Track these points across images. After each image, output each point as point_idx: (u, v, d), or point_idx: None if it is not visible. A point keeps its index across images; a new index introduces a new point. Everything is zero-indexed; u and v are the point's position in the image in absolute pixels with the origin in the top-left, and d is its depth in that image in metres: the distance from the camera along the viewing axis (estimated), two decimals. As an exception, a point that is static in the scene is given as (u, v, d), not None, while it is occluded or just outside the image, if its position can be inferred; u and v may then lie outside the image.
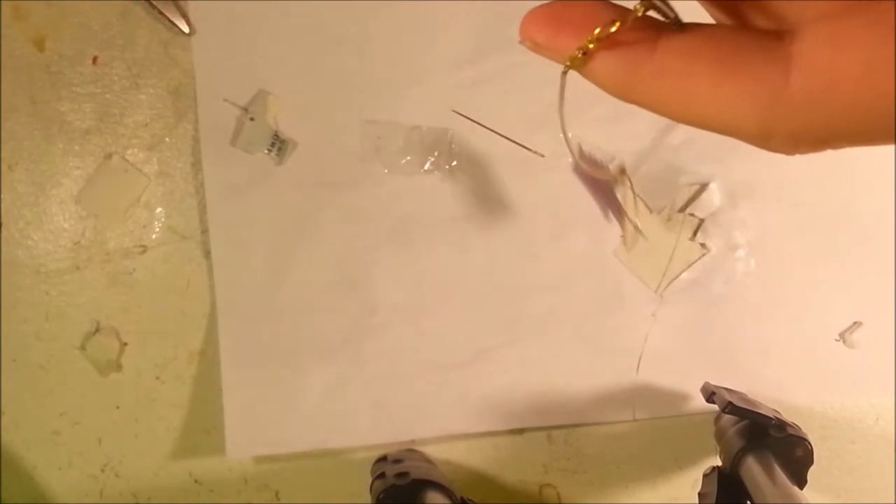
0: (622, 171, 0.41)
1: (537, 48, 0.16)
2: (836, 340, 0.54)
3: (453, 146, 0.50)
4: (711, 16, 0.16)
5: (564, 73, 0.16)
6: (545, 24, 0.16)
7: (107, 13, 0.48)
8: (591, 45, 0.15)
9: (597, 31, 0.15)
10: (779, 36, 0.14)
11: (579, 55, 0.15)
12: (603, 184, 0.47)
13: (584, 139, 0.51)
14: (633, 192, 0.45)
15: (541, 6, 0.16)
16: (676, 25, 0.15)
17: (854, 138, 0.14)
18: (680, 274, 0.53)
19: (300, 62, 0.49)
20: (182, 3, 0.48)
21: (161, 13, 0.47)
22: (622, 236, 0.47)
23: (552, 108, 0.51)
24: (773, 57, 0.14)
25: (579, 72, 0.16)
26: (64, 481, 0.52)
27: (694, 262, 0.53)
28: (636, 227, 0.45)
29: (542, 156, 0.51)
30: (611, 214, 0.45)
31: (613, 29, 0.15)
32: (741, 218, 0.52)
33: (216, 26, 0.48)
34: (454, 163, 0.50)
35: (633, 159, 0.51)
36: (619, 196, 0.47)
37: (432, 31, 0.49)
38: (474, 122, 0.50)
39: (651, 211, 0.52)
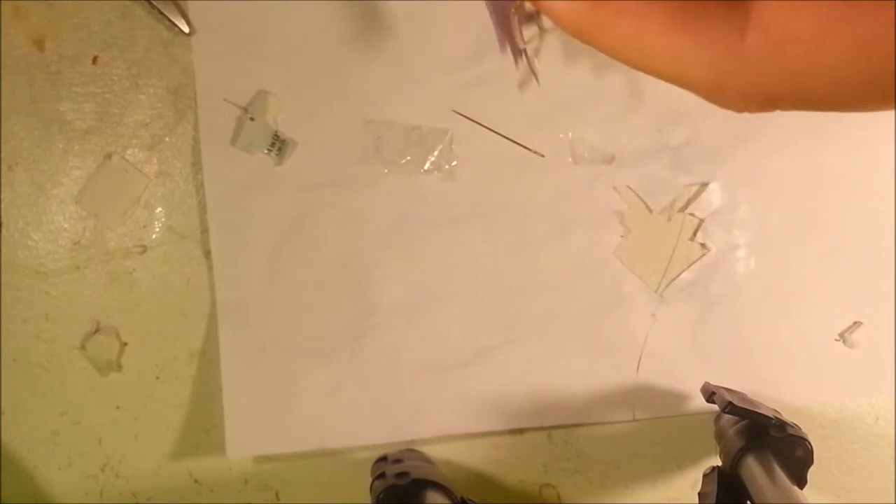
0: (536, 11, 0.38)
1: None
2: (837, 340, 0.54)
3: (453, 146, 0.50)
4: None
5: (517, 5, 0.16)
6: None
7: (107, 13, 0.48)
8: None
9: None
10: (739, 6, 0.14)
11: None
12: (509, 17, 0.45)
13: (583, 138, 0.51)
14: (541, 33, 0.42)
15: None
16: None
17: (802, 101, 0.14)
18: (680, 274, 0.53)
19: (300, 62, 0.49)
20: (182, 2, 0.48)
21: (161, 13, 0.47)
22: (518, 72, 0.44)
23: (552, 107, 0.51)
24: (732, 12, 0.14)
25: (536, 6, 0.16)
26: (64, 481, 0.52)
27: (694, 262, 0.53)
28: (531, 67, 0.42)
29: (542, 156, 0.51)
30: (508, 51, 0.42)
31: None
32: (741, 218, 0.53)
33: (216, 26, 0.48)
34: (454, 163, 0.50)
35: (633, 159, 0.51)
36: (525, 34, 0.44)
37: (432, 31, 0.49)
38: (474, 122, 0.50)
39: (651, 211, 0.52)
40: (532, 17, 0.45)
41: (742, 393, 0.52)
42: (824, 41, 0.13)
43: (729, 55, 0.14)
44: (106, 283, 0.50)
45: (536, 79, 0.47)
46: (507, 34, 0.42)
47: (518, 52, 0.43)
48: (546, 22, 0.45)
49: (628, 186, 0.52)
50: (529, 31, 0.47)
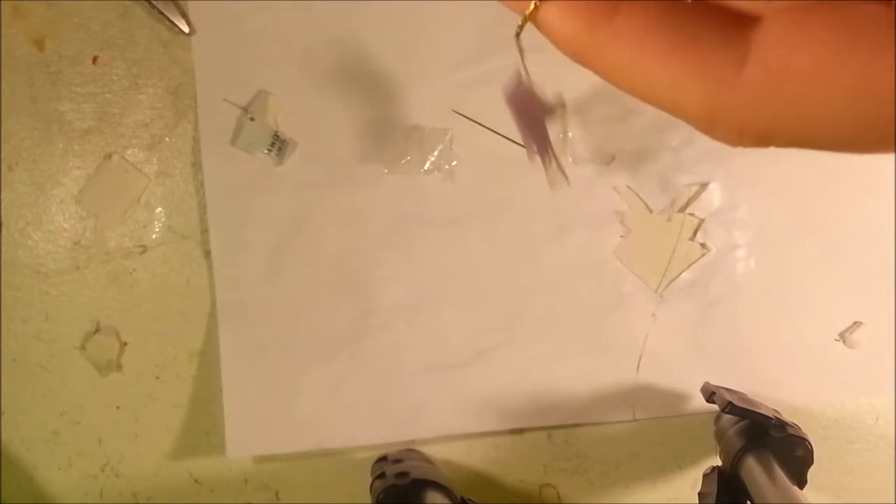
0: (562, 104, 0.39)
1: None
2: (836, 340, 0.54)
3: (453, 146, 0.50)
4: None
5: (519, 30, 0.16)
6: None
7: (107, 13, 0.48)
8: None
9: None
10: (742, 22, 0.14)
11: (537, 3, 0.15)
12: (536, 117, 0.45)
13: (584, 139, 0.51)
14: (566, 130, 0.43)
15: None
16: None
17: (796, 139, 0.14)
18: (680, 274, 0.53)
19: (300, 62, 0.49)
20: (182, 2, 0.48)
21: (161, 13, 0.47)
22: (547, 175, 0.45)
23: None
24: (731, 44, 0.14)
25: (535, 24, 0.16)
26: (64, 481, 0.52)
27: (694, 262, 0.53)
28: (560, 168, 0.43)
29: (542, 156, 0.51)
30: (535, 152, 0.43)
31: None
32: (741, 218, 0.52)
33: (216, 26, 0.48)
34: (454, 163, 0.50)
35: (633, 159, 0.51)
36: (550, 132, 0.45)
37: (432, 31, 0.49)
38: (474, 122, 0.50)
39: (651, 211, 0.52)
40: (554, 110, 0.45)
41: (742, 393, 0.52)
42: (823, 81, 0.13)
43: (725, 87, 0.14)
44: (106, 283, 0.50)
45: (566, 179, 0.47)
46: (535, 137, 0.43)
47: (548, 156, 0.43)
48: (568, 109, 0.45)
49: (628, 186, 0.52)
50: (553, 127, 0.47)
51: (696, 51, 0.14)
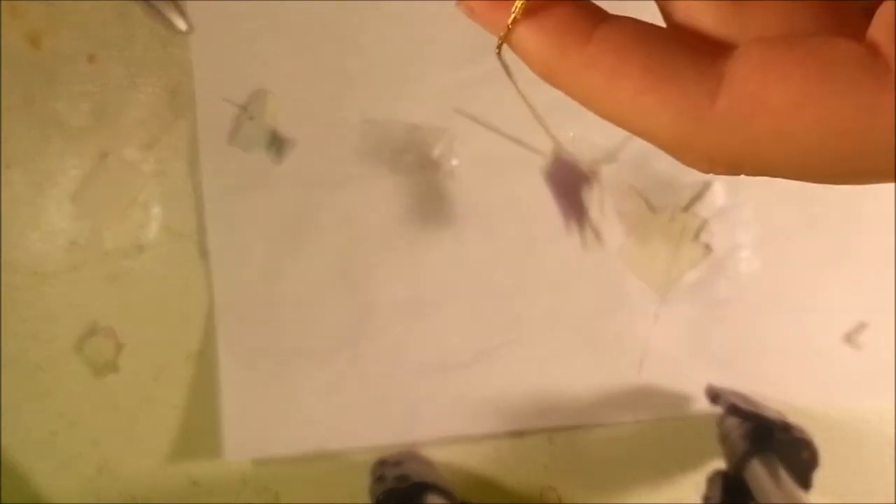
0: (596, 172, 0.40)
1: (473, 16, 0.16)
2: (842, 342, 0.54)
3: (453, 146, 0.50)
4: (662, 15, 0.16)
5: (498, 49, 0.16)
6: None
7: (104, 12, 0.48)
8: (516, 16, 0.15)
9: (518, 3, 0.15)
10: (714, 51, 0.14)
11: (509, 26, 0.15)
12: (571, 189, 0.46)
13: (584, 138, 0.50)
14: (602, 197, 0.44)
15: None
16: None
17: (767, 170, 0.14)
18: (683, 274, 0.52)
19: (299, 61, 0.49)
20: (180, 1, 0.47)
21: (159, 12, 0.47)
22: (581, 240, 0.46)
23: (553, 108, 0.50)
24: (703, 74, 0.14)
25: (508, 45, 0.16)
26: (62, 482, 0.52)
27: (697, 263, 0.52)
28: (597, 234, 0.43)
29: (543, 155, 0.50)
30: (573, 223, 0.44)
31: None
32: (745, 218, 0.52)
33: (214, 25, 0.48)
34: (454, 163, 0.50)
35: (636, 158, 0.51)
36: (586, 201, 0.46)
37: (432, 31, 0.49)
38: (475, 121, 0.50)
39: (653, 211, 0.52)
40: (591, 179, 0.46)
41: (746, 394, 0.51)
42: (794, 117, 0.13)
43: (697, 118, 0.14)
44: (103, 283, 0.50)
45: (600, 240, 0.47)
46: (573, 207, 0.44)
47: (585, 223, 0.44)
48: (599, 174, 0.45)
49: (630, 186, 0.51)
50: (589, 194, 0.48)
51: (669, 81, 0.14)
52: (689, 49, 0.14)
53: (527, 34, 0.15)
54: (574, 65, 0.15)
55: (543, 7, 0.15)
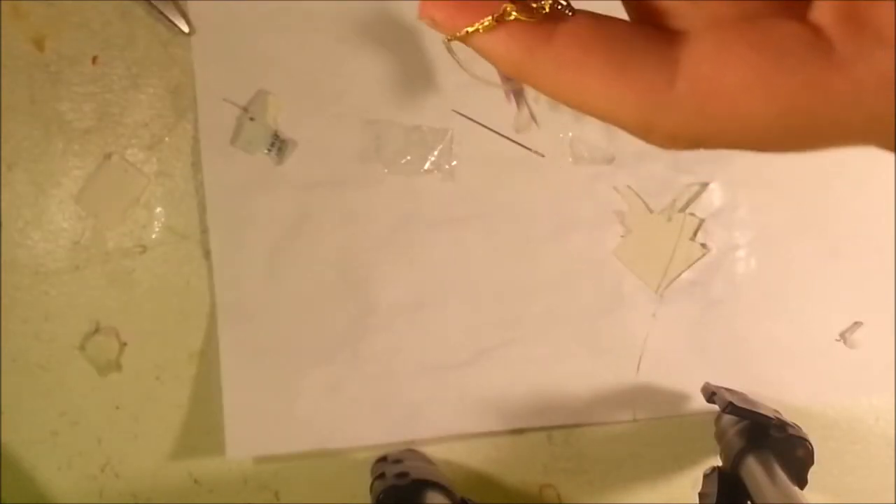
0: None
1: (435, 26, 0.16)
2: (837, 340, 0.54)
3: (453, 146, 0.50)
4: (624, 8, 0.16)
5: (447, 43, 0.17)
6: (444, 6, 0.16)
7: (106, 13, 0.48)
8: (481, 28, 0.15)
9: (486, 21, 0.15)
10: (670, 38, 0.15)
11: (465, 33, 0.16)
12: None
13: (583, 138, 0.51)
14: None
15: None
16: (570, 12, 0.15)
17: (728, 144, 0.15)
18: (680, 274, 0.53)
19: (300, 62, 0.49)
20: (182, 2, 0.48)
21: (161, 13, 0.47)
22: (517, 118, 0.45)
23: (552, 107, 0.50)
24: (660, 60, 0.15)
25: (467, 45, 0.16)
26: (63, 481, 0.52)
27: (694, 262, 0.53)
28: (532, 114, 0.43)
29: (542, 156, 0.51)
30: (512, 96, 0.43)
31: (511, 17, 0.15)
32: (741, 218, 0.52)
33: (216, 26, 0.48)
34: (454, 163, 0.50)
35: (634, 159, 0.51)
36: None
37: (432, 32, 0.49)
38: (474, 121, 0.50)
39: (651, 211, 0.52)
40: None
41: (742, 393, 0.51)
42: (749, 97, 0.14)
43: (658, 103, 0.15)
44: (105, 283, 0.50)
45: (535, 121, 0.47)
46: (510, 88, 0.43)
47: (522, 101, 0.44)
48: None
49: (628, 186, 0.51)
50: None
51: (630, 70, 0.15)
52: (646, 38, 0.15)
53: (492, 39, 0.16)
54: (541, 62, 0.15)
55: (500, 16, 0.15)
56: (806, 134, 0.14)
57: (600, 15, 0.15)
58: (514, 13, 0.15)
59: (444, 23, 0.16)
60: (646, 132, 0.15)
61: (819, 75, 0.13)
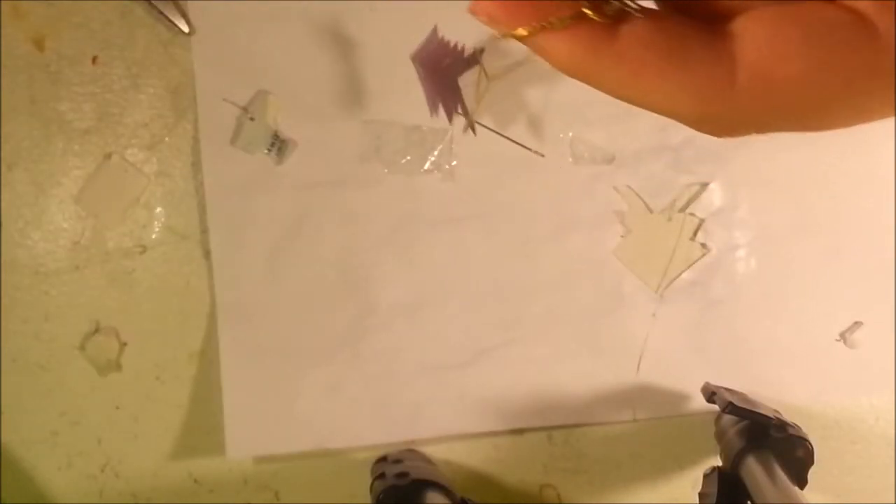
0: (478, 53, 0.37)
1: (490, 23, 0.16)
2: (837, 340, 0.54)
3: (453, 146, 0.50)
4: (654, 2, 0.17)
5: (499, 37, 0.16)
6: (506, 4, 0.16)
7: (106, 13, 0.48)
8: (549, 25, 0.15)
9: (553, 21, 0.15)
10: (716, 29, 0.15)
11: (527, 33, 0.16)
12: (447, 72, 0.44)
13: (583, 139, 0.51)
14: (486, 79, 0.42)
15: None
16: (638, 13, 0.16)
17: (785, 127, 0.16)
18: (680, 274, 0.53)
19: (300, 62, 0.49)
20: (182, 2, 0.48)
21: (161, 13, 0.47)
22: (464, 128, 0.44)
23: (552, 108, 0.50)
24: (717, 53, 0.15)
25: (527, 46, 0.16)
26: (63, 481, 0.52)
27: (694, 262, 0.53)
28: (470, 121, 0.41)
29: (542, 156, 0.51)
30: (441, 109, 0.42)
31: (582, 17, 0.15)
32: (741, 218, 0.52)
33: (216, 26, 0.48)
34: (454, 163, 0.50)
35: (634, 159, 0.51)
36: (461, 86, 0.44)
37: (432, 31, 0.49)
38: (474, 121, 0.50)
39: (651, 211, 0.52)
40: (470, 62, 0.44)
41: (742, 393, 0.51)
42: (807, 82, 0.14)
43: (721, 96, 0.15)
44: (105, 283, 0.50)
45: (473, 130, 0.47)
46: (443, 93, 0.42)
47: (451, 114, 0.43)
48: (491, 67, 0.44)
49: (628, 186, 0.51)
50: (470, 76, 0.46)
51: (690, 65, 0.15)
52: (697, 31, 0.15)
53: (555, 38, 0.16)
54: (605, 63, 0.15)
55: (576, 16, 0.15)
56: (859, 112, 0.15)
57: (651, 9, 0.16)
58: (588, 12, 0.15)
59: (504, 21, 0.16)
60: (708, 124, 0.16)
61: (870, 57, 0.14)
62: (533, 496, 0.55)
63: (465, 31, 0.49)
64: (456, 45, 0.42)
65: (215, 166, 0.49)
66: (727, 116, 0.15)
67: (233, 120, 0.49)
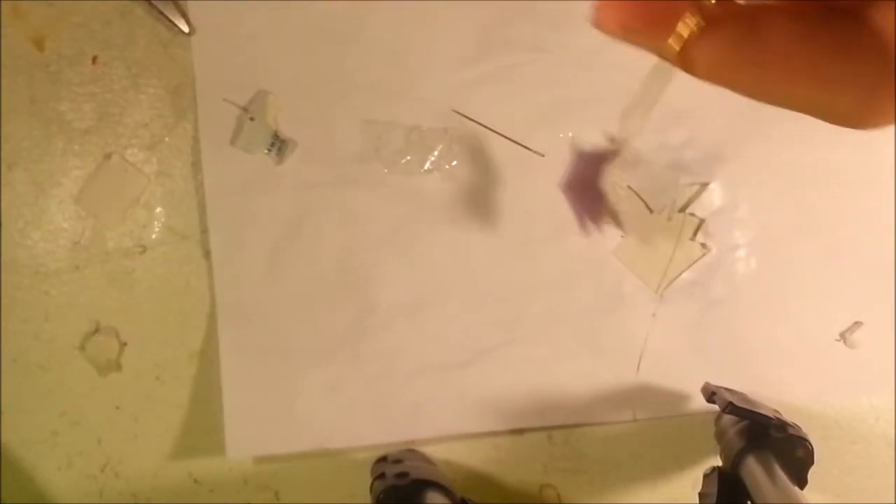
0: (618, 147, 0.38)
1: (624, 33, 0.15)
2: (837, 340, 0.54)
3: (453, 146, 0.50)
4: None
5: (659, 62, 0.15)
6: (638, 12, 0.15)
7: (106, 13, 0.48)
8: (691, 30, 0.15)
9: (689, 21, 0.14)
10: (857, 20, 0.14)
11: (675, 44, 0.15)
12: (589, 183, 0.45)
13: (583, 139, 0.51)
14: (618, 176, 0.43)
15: None
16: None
17: None
18: (680, 274, 0.53)
19: (300, 62, 0.49)
20: (182, 2, 0.48)
21: (161, 13, 0.47)
22: (595, 231, 0.46)
23: (552, 107, 0.50)
24: (867, 47, 0.14)
25: (672, 61, 0.15)
26: (63, 481, 0.52)
27: (694, 262, 0.53)
28: (617, 221, 0.43)
29: (542, 155, 0.51)
30: (589, 223, 0.44)
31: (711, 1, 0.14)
32: (741, 218, 0.52)
33: (216, 26, 0.48)
34: (454, 163, 0.50)
35: (633, 159, 0.51)
36: (603, 190, 0.45)
37: (432, 31, 0.49)
38: (474, 121, 0.50)
39: (651, 211, 0.52)
40: (609, 157, 0.46)
41: (742, 393, 0.51)
42: None
43: (878, 90, 0.14)
44: (105, 283, 0.50)
45: (622, 230, 0.49)
46: (587, 215, 0.44)
47: (599, 222, 0.45)
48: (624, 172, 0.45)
49: (628, 186, 0.51)
50: (612, 179, 0.48)
51: (843, 61, 0.14)
52: (842, 23, 0.14)
53: (704, 46, 0.15)
54: (749, 60, 0.15)
55: (710, 14, 0.15)
56: None
57: (790, 3, 0.15)
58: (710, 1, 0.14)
59: (641, 28, 0.15)
60: (863, 120, 0.15)
61: None
62: (533, 496, 0.55)
63: (465, 33, 0.50)
64: (594, 151, 0.44)
65: (215, 166, 0.49)
66: (887, 110, 0.14)
67: (233, 120, 0.49)
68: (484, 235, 0.51)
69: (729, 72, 0.15)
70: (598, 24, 0.15)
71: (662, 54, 0.15)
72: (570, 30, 0.49)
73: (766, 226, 0.53)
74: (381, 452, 0.52)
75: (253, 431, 0.50)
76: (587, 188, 0.44)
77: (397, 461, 0.50)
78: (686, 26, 0.15)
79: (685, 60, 0.15)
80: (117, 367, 0.51)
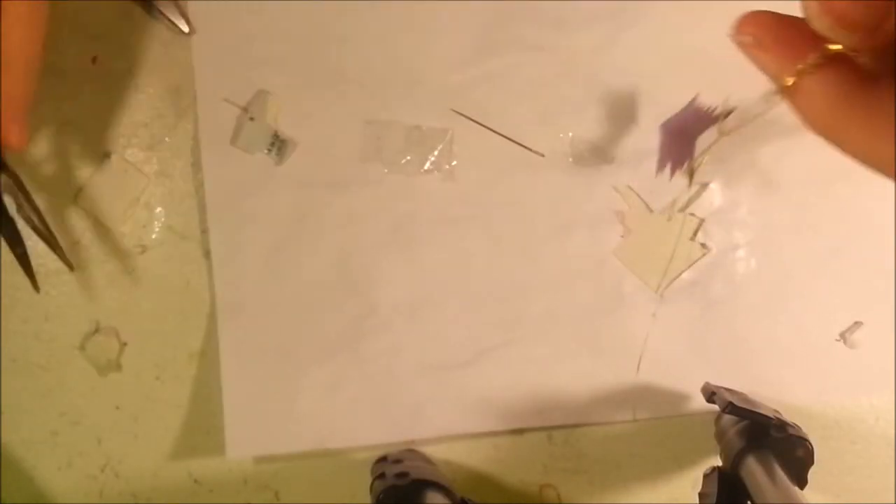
0: (726, 113, 0.39)
1: (755, 47, 0.15)
2: (837, 340, 0.54)
3: (453, 146, 0.50)
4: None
5: (777, 93, 0.15)
6: (775, 30, 0.15)
7: (106, 13, 0.48)
8: (807, 67, 0.15)
9: (811, 60, 0.14)
10: None
11: (791, 80, 0.15)
12: (686, 133, 0.45)
13: (583, 139, 0.51)
14: (718, 136, 0.43)
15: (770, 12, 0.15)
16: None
17: None
18: (680, 274, 0.53)
19: (300, 62, 0.49)
20: (182, 2, 0.48)
21: (161, 13, 0.47)
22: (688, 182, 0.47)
23: (552, 107, 0.50)
24: None
25: (782, 91, 0.15)
26: (63, 481, 0.52)
27: (694, 262, 0.53)
28: (691, 174, 0.44)
29: (542, 155, 0.51)
30: (668, 169, 0.45)
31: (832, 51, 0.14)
32: (741, 218, 0.52)
33: (216, 26, 0.48)
34: (454, 163, 0.50)
35: (633, 159, 0.51)
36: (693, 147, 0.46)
37: (432, 31, 0.49)
38: (474, 121, 0.50)
39: (651, 211, 0.52)
40: (713, 122, 0.46)
41: (742, 393, 0.52)
42: None
43: None
44: (105, 283, 0.50)
45: (691, 181, 0.49)
46: (669, 160, 0.44)
47: (675, 172, 0.45)
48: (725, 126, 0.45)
49: (628, 186, 0.52)
50: (706, 138, 0.48)
51: None
52: None
53: (814, 81, 0.15)
54: (860, 110, 0.14)
55: (828, 58, 0.14)
56: None
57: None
58: (835, 47, 0.14)
59: (774, 50, 0.15)
60: None
61: None
62: (533, 496, 0.55)
63: (465, 33, 0.50)
64: (708, 110, 0.45)
65: (215, 166, 0.49)
66: None
67: (233, 120, 0.49)
68: (484, 235, 0.51)
69: (834, 120, 0.15)
70: (736, 30, 0.15)
71: (777, 79, 0.15)
72: (571, 30, 0.50)
73: (766, 226, 0.53)
74: (381, 452, 0.52)
75: (253, 431, 0.50)
76: (683, 137, 0.44)
77: (397, 461, 0.50)
78: (805, 63, 0.15)
79: (794, 94, 0.15)
80: (117, 367, 0.51)
